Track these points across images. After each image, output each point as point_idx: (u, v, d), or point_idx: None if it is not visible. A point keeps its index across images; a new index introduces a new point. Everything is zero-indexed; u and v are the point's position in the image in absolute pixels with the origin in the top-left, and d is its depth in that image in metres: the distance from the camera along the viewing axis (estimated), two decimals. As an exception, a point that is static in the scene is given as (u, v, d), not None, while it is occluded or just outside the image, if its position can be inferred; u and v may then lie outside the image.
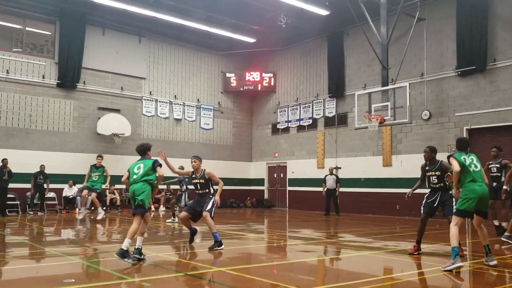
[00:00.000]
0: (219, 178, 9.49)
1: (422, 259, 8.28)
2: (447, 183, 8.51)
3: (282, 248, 10.50)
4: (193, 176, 9.65)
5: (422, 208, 8.78)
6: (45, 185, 18.31)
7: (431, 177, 8.61)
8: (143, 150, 8.17)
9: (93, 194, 14.95)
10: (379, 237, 11.74)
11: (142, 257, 7.59)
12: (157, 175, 7.90)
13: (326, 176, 19.49)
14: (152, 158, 8.16)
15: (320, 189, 19.62)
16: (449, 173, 8.37)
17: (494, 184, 11.54)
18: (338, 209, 19.00)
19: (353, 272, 7.42)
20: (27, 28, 19.96)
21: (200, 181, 9.49)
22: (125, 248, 7.26)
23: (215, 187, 9.50)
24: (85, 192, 14.87)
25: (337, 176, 19.60)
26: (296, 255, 9.27)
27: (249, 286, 6.30)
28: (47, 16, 20.20)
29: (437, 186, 8.58)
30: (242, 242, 10.65)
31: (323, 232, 13.64)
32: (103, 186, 16.01)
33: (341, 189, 19.35)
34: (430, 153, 8.68)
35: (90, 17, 20.85)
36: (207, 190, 9.42)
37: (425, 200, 8.78)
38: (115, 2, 18.69)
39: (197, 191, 9.56)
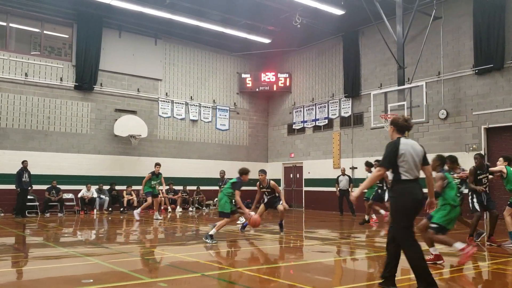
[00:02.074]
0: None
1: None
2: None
3: (298, 248, 10.49)
4: (261, 186, 12.10)
5: (477, 206, 10.00)
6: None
7: (483, 179, 10.05)
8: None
9: (156, 199, 16.90)
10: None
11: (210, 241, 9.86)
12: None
13: (338, 176, 19.43)
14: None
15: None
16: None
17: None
18: (353, 209, 18.87)
19: (370, 272, 7.40)
20: (45, 32, 20.22)
21: (267, 190, 12.06)
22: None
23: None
24: (150, 199, 16.59)
25: (349, 177, 19.51)
26: (313, 255, 9.26)
27: (265, 286, 6.32)
28: (64, 19, 20.44)
29: (486, 186, 10.03)
30: (259, 243, 10.67)
31: (340, 233, 13.59)
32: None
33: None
34: (481, 159, 10.23)
35: (106, 20, 21.05)
36: (273, 195, 12.05)
37: (476, 200, 10.04)
38: (131, 4, 18.83)
39: (265, 197, 12.19)
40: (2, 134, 18.56)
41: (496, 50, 16.60)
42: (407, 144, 5.49)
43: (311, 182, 23.67)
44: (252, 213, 11.07)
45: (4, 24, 19.27)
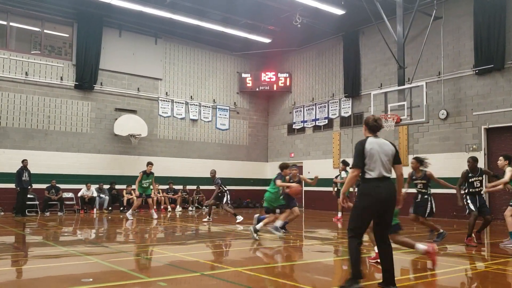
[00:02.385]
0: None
1: (439, 259, 8.21)
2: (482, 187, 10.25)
3: (298, 248, 10.49)
4: (291, 181, 12.12)
5: (472, 206, 10.17)
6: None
7: (475, 182, 10.21)
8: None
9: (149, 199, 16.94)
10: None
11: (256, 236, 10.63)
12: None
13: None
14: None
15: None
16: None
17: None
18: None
19: (370, 272, 7.39)
20: (45, 31, 20.21)
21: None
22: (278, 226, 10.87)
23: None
24: (139, 200, 16.83)
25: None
26: (313, 255, 9.26)
27: (265, 286, 6.32)
28: (65, 18, 20.44)
29: (478, 190, 10.21)
30: (258, 242, 10.67)
31: (339, 232, 13.59)
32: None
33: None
34: (473, 162, 10.37)
35: (107, 19, 21.05)
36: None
37: (470, 201, 10.22)
38: (131, 4, 18.82)
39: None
40: (2, 133, 18.57)
41: (496, 51, 16.60)
42: (374, 143, 5.53)
43: (311, 182, 23.61)
44: (294, 184, 11.53)
45: (5, 23, 19.27)
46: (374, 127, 5.69)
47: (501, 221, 16.18)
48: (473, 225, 10.01)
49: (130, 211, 16.95)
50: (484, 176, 10.68)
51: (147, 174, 16.39)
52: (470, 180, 10.24)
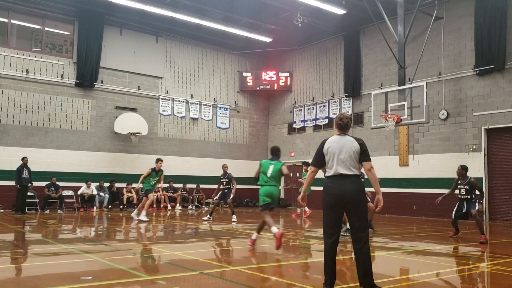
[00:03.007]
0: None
1: (439, 260, 8.23)
2: (473, 195, 10.76)
3: (297, 247, 10.50)
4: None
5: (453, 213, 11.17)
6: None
7: (461, 189, 10.88)
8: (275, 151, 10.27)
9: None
10: (396, 237, 11.68)
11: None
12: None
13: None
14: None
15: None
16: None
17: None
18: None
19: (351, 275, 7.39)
20: (46, 28, 20.22)
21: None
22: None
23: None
24: (151, 196, 15.46)
25: None
26: (312, 254, 9.26)
27: (264, 285, 6.32)
28: (66, 16, 20.45)
29: (463, 197, 10.89)
30: (258, 241, 10.67)
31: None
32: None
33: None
34: (461, 170, 10.96)
35: (108, 17, 21.06)
36: None
37: (456, 208, 11.11)
38: (132, 2, 18.83)
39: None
40: (2, 131, 18.58)
41: (497, 51, 16.61)
42: (333, 141, 5.54)
43: (311, 181, 23.59)
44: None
45: (6, 20, 19.27)
46: (339, 125, 5.70)
47: (500, 222, 16.21)
48: (455, 225, 11.37)
49: (144, 212, 15.32)
50: (472, 186, 10.94)
51: (156, 171, 15.43)
52: (458, 186, 11.11)
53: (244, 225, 14.24)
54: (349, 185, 5.39)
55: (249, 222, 15.45)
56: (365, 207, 5.44)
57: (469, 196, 10.81)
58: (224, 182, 15.70)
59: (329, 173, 5.51)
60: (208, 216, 15.78)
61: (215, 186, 16.85)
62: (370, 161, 5.64)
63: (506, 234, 13.03)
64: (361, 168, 5.55)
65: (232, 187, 15.69)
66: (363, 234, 5.35)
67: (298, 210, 17.42)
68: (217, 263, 7.91)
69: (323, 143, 5.62)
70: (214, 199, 16.67)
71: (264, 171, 9.61)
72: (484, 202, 10.83)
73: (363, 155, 5.55)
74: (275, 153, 10.22)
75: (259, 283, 6.35)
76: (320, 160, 5.61)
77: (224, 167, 16.17)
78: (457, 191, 11.18)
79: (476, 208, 10.62)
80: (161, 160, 15.66)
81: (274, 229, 8.61)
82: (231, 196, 15.69)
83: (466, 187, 10.78)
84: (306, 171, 16.59)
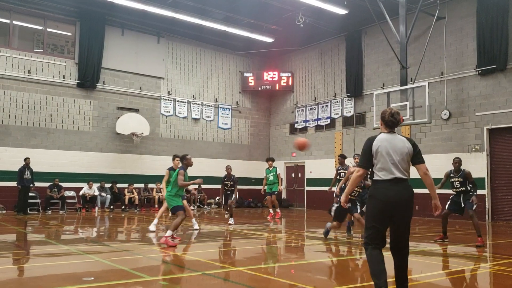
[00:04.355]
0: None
1: (442, 260, 8.20)
2: (468, 187, 10.39)
3: (299, 248, 10.48)
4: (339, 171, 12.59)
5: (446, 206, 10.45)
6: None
7: (455, 182, 10.50)
8: None
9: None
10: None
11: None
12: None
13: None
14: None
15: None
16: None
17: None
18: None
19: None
20: (48, 29, 20.23)
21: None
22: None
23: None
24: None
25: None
26: (314, 255, 9.25)
27: (266, 286, 6.30)
28: (67, 17, 20.46)
29: (459, 190, 10.46)
30: (260, 242, 10.67)
31: (341, 232, 13.57)
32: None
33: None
34: (460, 162, 10.64)
35: (109, 18, 21.07)
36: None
37: (449, 201, 10.68)
38: (134, 2, 18.83)
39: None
40: (4, 131, 18.60)
41: (499, 51, 16.58)
42: (383, 140, 4.97)
43: (312, 181, 23.65)
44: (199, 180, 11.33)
45: (7, 21, 19.29)
46: (389, 122, 5.05)
47: (502, 222, 16.17)
48: (444, 222, 10.81)
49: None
50: (466, 177, 10.60)
51: (173, 170, 12.81)
52: (451, 179, 10.70)
53: (245, 226, 14.21)
54: (404, 191, 4.92)
55: (251, 223, 15.43)
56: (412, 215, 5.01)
57: (464, 188, 10.50)
58: (229, 185, 15.12)
59: (381, 176, 4.90)
60: (231, 218, 14.86)
61: (217, 186, 16.73)
62: (425, 162, 5.14)
63: (509, 235, 13.00)
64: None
65: (234, 189, 15.39)
66: (408, 249, 5.04)
67: (271, 211, 16.73)
68: (219, 263, 7.90)
69: (370, 141, 5.02)
70: (223, 202, 15.80)
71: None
72: (477, 194, 10.48)
73: (417, 157, 5.06)
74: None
75: (261, 284, 6.34)
76: (369, 161, 4.98)
77: (228, 169, 15.47)
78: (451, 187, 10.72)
79: (474, 207, 10.41)
80: (179, 157, 13.01)
81: None
82: (233, 197, 15.42)
83: (460, 179, 10.49)
84: (271, 166, 16.47)
